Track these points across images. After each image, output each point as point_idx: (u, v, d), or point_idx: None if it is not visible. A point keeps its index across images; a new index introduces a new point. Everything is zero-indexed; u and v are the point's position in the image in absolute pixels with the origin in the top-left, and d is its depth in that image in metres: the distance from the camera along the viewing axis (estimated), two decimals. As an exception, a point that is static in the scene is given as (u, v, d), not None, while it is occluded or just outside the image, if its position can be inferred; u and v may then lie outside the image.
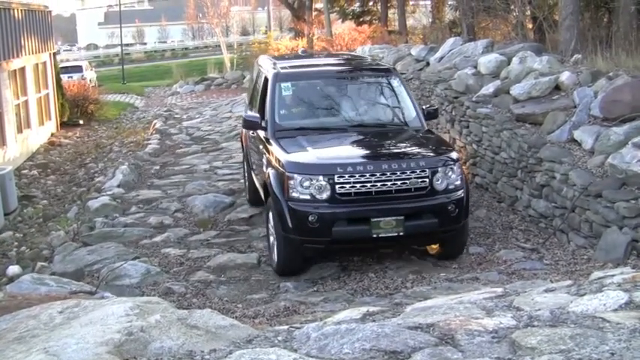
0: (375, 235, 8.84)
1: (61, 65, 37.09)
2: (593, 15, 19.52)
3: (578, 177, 9.51)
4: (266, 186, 9.59)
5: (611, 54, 13.09)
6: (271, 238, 9.57)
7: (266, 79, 11.18)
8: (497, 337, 3.30)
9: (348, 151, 9.76)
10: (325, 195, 8.81)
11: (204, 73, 47.99)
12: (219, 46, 58.21)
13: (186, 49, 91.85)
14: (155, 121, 27.09)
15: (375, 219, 8.80)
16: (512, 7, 21.07)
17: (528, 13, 20.82)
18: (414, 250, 9.90)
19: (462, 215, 9.26)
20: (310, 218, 8.77)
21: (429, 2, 35.95)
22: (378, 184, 8.83)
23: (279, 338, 3.64)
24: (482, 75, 14.16)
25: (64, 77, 34.41)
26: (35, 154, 22.79)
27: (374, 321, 3.88)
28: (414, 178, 8.91)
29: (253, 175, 11.90)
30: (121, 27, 70.34)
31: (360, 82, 11.50)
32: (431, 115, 10.96)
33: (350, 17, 39.16)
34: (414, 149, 9.79)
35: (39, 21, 26.43)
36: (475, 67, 14.62)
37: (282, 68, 11.23)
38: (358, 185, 8.81)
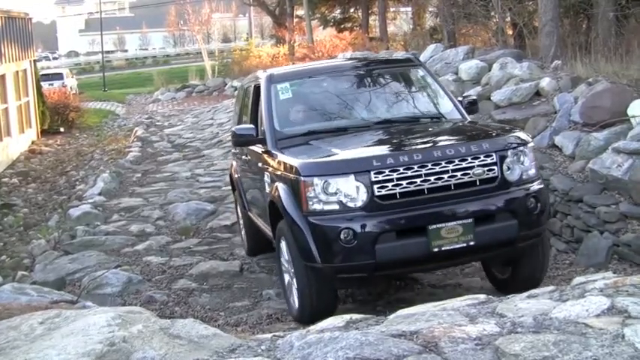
0: (435, 249, 6.46)
1: (41, 72, 36.96)
2: (572, 21, 19.67)
3: (559, 182, 9.55)
4: (273, 208, 7.44)
5: (590, 60, 13.18)
6: (286, 277, 7.40)
7: (257, 89, 8.92)
8: (481, 344, 3.30)
9: (383, 145, 7.59)
10: (360, 201, 6.47)
11: (185, 80, 47.94)
12: (201, 53, 58.13)
13: (167, 56, 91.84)
14: (136, 129, 27.03)
15: (434, 226, 6.46)
16: (492, 13, 21.20)
17: (508, 19, 20.95)
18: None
19: (544, 214, 7.06)
20: (343, 235, 6.43)
21: (409, 9, 36.10)
22: (432, 178, 6.50)
23: (263, 347, 3.62)
24: (463, 81, 14.23)
25: (45, 85, 34.31)
26: (16, 162, 22.67)
27: (357, 329, 3.87)
28: (478, 165, 6.60)
29: (253, 215, 9.45)
30: (102, 34, 70.22)
31: (376, 76, 9.16)
32: (471, 106, 8.66)
33: (331, 24, 39.32)
34: (469, 134, 7.54)
35: (19, 28, 26.32)
36: (456, 74, 14.68)
37: (275, 71, 9.29)
38: (405, 182, 6.46)
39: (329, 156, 7.05)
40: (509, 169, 6.76)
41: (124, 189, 16.16)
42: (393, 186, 6.47)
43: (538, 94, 12.00)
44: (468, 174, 6.59)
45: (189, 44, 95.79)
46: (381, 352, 3.26)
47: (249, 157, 9.12)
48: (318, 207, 6.58)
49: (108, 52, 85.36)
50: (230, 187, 11.90)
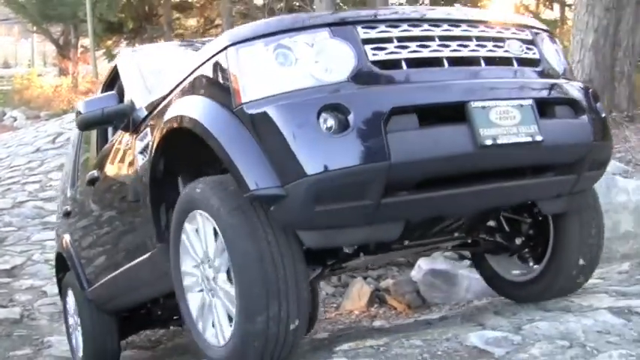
0: (488, 142, 3.34)
1: None
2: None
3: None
4: (160, 162, 4.16)
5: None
6: (197, 297, 3.81)
7: (113, 77, 5.77)
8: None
9: None
10: (346, 70, 3.35)
11: (-40, 108, 45.64)
12: (-22, 79, 55.58)
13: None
14: None
15: (479, 103, 3.43)
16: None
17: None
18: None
19: (608, 125, 4.15)
20: (323, 118, 3.17)
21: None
22: (452, 43, 3.67)
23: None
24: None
25: None
26: None
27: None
28: (512, 38, 3.93)
29: (102, 280, 5.84)
30: None
31: None
32: None
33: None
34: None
35: None
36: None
37: None
38: (413, 44, 3.56)
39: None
40: (551, 53, 4.13)
41: None
42: (395, 48, 3.54)
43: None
44: (502, 47, 3.88)
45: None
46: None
47: (96, 174, 5.69)
48: (264, 91, 3.34)
49: None
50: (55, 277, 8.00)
